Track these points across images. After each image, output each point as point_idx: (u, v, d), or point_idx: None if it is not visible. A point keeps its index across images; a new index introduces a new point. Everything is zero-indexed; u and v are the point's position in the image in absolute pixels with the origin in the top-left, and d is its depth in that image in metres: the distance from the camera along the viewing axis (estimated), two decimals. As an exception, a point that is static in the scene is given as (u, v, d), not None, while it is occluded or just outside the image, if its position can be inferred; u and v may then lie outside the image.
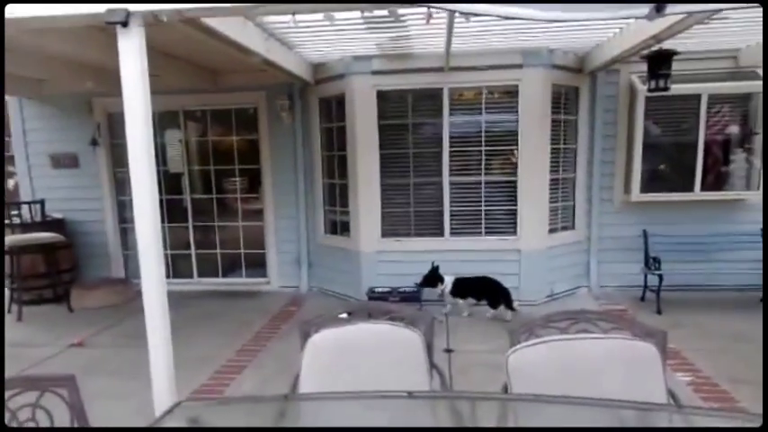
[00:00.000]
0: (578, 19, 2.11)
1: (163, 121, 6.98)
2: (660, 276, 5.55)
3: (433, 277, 5.61)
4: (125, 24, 2.64)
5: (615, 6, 2.00)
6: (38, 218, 6.65)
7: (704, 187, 5.90)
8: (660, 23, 4.04)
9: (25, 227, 6.36)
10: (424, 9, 3.20)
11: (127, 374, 4.32)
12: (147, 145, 2.79)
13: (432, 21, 3.43)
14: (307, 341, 2.35)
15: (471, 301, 5.68)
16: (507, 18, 2.10)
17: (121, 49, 2.71)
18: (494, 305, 5.59)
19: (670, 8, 1.91)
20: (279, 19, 4.28)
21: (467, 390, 3.80)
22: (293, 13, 3.30)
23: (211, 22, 3.34)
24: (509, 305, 5.56)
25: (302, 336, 2.43)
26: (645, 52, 4.71)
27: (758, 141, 5.85)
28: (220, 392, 4.00)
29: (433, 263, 5.63)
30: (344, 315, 5.90)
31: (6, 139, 7.45)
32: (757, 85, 5.64)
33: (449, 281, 5.61)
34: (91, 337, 5.28)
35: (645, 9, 1.92)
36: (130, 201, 2.93)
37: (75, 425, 1.92)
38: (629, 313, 5.60)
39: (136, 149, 2.78)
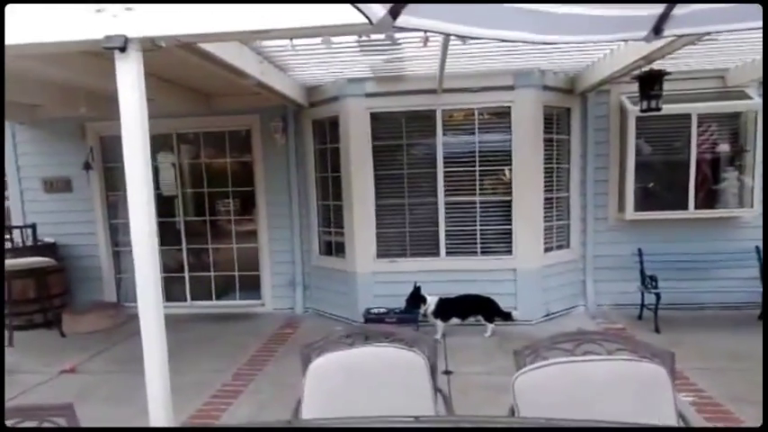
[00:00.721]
0: (576, 42, 2.14)
1: (156, 144, 6.89)
2: (657, 295, 5.55)
3: (416, 298, 5.56)
4: (123, 50, 2.65)
5: (614, 30, 2.03)
6: (29, 242, 6.56)
7: (698, 205, 5.96)
8: (650, 45, 4.12)
9: (16, 251, 6.25)
10: (420, 33, 3.23)
11: (120, 401, 4.22)
12: (145, 169, 2.78)
13: (428, 44, 3.47)
14: (308, 366, 2.31)
15: (455, 321, 5.63)
16: (504, 41, 2.12)
17: (119, 75, 2.72)
18: (489, 319, 5.57)
19: (668, 30, 1.94)
20: (274, 43, 4.32)
21: (469, 413, 3.75)
22: (291, 38, 3.33)
23: (208, 46, 3.36)
24: (503, 315, 5.58)
25: (303, 360, 2.39)
26: (635, 73, 4.78)
27: (749, 159, 5.94)
28: (216, 418, 3.91)
29: (415, 284, 5.60)
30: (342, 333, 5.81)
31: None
32: (746, 104, 5.76)
33: (432, 301, 5.56)
34: (83, 363, 5.17)
35: (643, 32, 1.95)
36: (123, 224, 2.91)
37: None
38: (627, 332, 5.58)
39: (134, 173, 2.77)
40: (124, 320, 6.36)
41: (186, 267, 7.14)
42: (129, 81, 2.71)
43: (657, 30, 1.99)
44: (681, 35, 2.64)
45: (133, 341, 3.08)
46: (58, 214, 6.86)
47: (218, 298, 7.20)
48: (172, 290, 7.18)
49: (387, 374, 2.27)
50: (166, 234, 7.08)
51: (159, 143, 6.95)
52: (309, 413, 2.21)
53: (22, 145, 6.89)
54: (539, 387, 2.06)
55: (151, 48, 2.84)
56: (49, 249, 6.53)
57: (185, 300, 7.15)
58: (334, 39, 4.17)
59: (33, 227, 6.67)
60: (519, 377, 2.06)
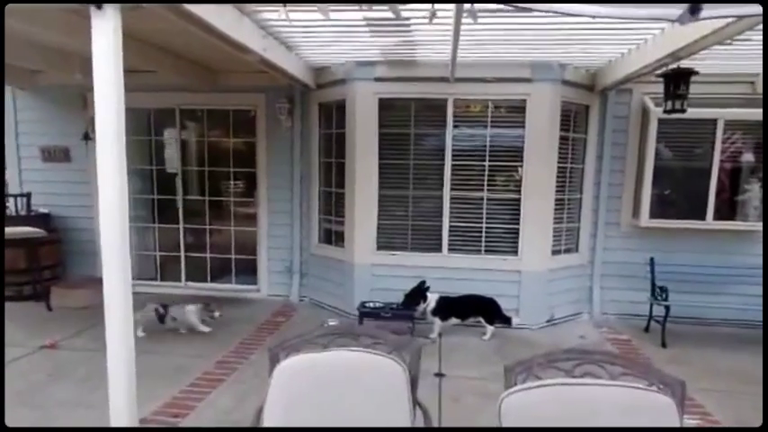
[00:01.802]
0: (608, 15, 1.89)
1: (158, 119, 6.80)
2: (667, 307, 5.27)
3: (417, 294, 5.34)
4: (99, 6, 2.43)
5: (649, 5, 1.77)
6: (23, 211, 6.42)
7: (717, 216, 5.65)
8: (679, 40, 3.84)
9: (9, 220, 6.12)
10: (428, 8, 2.96)
11: (97, 382, 4.04)
12: (118, 138, 2.59)
13: (437, 21, 3.20)
14: (275, 367, 2.10)
15: (454, 321, 5.41)
16: (532, 10, 1.86)
17: (95, 35, 2.50)
18: (490, 321, 5.35)
19: (705, 12, 1.67)
20: (278, 17, 4.07)
21: (457, 423, 3.54)
22: (284, 4, 3.08)
23: (200, 11, 3.11)
24: (504, 320, 5.38)
25: (271, 360, 2.18)
26: (661, 71, 4.48)
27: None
28: (191, 408, 3.73)
29: (424, 282, 5.38)
30: (334, 322, 5.61)
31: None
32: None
33: (432, 299, 5.33)
34: (66, 340, 5.03)
35: (679, 10, 1.69)
36: None
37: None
38: (632, 344, 5.32)
39: (105, 143, 2.58)
40: (115, 297, 6.20)
41: (183, 247, 6.96)
42: (105, 42, 2.49)
43: (694, 9, 1.73)
44: (719, 17, 2.35)
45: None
46: (54, 184, 6.70)
47: (212, 280, 7.03)
48: (167, 269, 7.04)
49: (360, 383, 2.05)
50: (164, 212, 6.97)
51: (161, 117, 6.79)
52: (271, 420, 2.00)
53: (23, 112, 6.73)
54: (529, 410, 1.84)
55: (131, 5, 2.61)
56: (42, 220, 6.37)
57: (180, 280, 6.98)
58: (341, 16, 3.93)
59: (28, 196, 6.52)
60: (507, 397, 1.84)
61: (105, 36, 2.46)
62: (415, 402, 2.14)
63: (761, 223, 5.67)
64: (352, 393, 2.02)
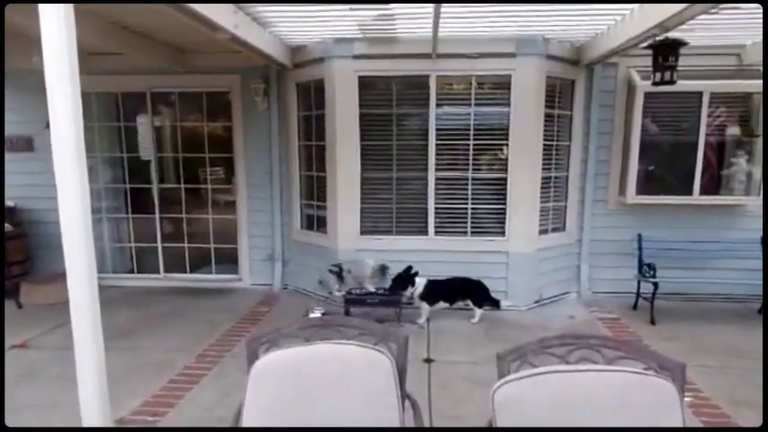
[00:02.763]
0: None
1: (128, 103, 6.50)
2: (655, 284, 5.22)
3: (405, 278, 5.19)
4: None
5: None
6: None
7: (703, 191, 5.60)
8: (666, 10, 3.70)
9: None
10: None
11: (70, 381, 3.82)
12: (75, 123, 2.37)
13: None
14: (253, 363, 1.94)
15: (443, 305, 5.30)
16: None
17: (42, 11, 2.27)
18: (479, 304, 5.25)
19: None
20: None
21: (448, 411, 3.43)
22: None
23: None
24: (492, 302, 5.28)
25: (249, 356, 2.03)
26: (647, 42, 4.35)
27: (758, 144, 5.55)
28: (171, 406, 3.56)
29: (411, 267, 5.22)
30: (318, 314, 5.44)
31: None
32: (762, 85, 5.32)
33: (420, 283, 5.20)
34: (38, 337, 4.81)
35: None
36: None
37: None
38: (621, 322, 5.28)
39: (60, 131, 2.36)
40: (89, 291, 5.97)
41: (159, 237, 6.72)
42: (55, 19, 2.26)
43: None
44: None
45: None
46: (18, 176, 6.33)
47: (192, 271, 6.80)
48: (144, 261, 6.81)
49: (345, 378, 1.90)
50: (139, 201, 6.72)
51: (132, 102, 6.51)
52: (251, 422, 1.85)
53: (-19, 99, 6.36)
54: (523, 400, 1.72)
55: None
56: (7, 213, 6.04)
57: (158, 271, 6.74)
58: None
59: (-9, 189, 6.21)
60: (500, 387, 1.72)
61: (54, 14, 2.23)
62: (404, 395, 2.01)
63: (746, 197, 5.64)
64: (337, 389, 1.87)
